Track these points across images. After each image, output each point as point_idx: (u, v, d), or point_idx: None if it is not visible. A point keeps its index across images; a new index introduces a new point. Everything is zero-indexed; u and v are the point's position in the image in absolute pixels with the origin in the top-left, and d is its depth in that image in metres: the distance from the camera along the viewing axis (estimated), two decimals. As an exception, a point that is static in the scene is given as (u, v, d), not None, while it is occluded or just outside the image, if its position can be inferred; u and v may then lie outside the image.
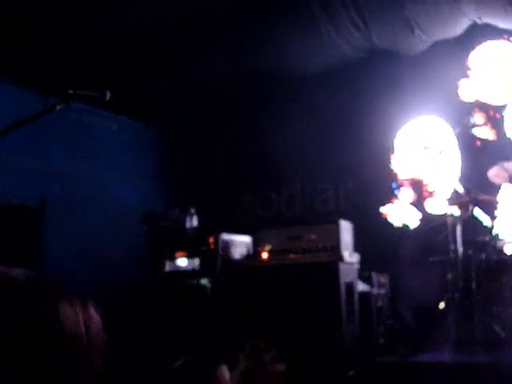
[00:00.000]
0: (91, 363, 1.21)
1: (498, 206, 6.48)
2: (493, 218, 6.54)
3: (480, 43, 7.22)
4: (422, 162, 7.31)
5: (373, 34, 7.09)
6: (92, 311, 1.29)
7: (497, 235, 6.30)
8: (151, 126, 8.68)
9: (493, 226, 6.47)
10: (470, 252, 6.11)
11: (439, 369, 5.11)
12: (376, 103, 7.46)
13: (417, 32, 6.95)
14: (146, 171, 8.53)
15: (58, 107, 3.37)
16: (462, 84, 7.14)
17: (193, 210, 6.07)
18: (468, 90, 7.11)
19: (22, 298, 1.15)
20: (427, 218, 6.89)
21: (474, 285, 5.96)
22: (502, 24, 6.84)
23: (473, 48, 7.24)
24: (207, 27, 6.91)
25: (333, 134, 7.69)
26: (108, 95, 3.40)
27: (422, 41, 7.18)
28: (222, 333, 5.20)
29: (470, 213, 6.19)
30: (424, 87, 7.18)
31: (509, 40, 7.13)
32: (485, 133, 7.02)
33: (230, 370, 4.09)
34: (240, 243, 5.91)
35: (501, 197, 6.44)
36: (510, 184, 5.71)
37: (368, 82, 7.57)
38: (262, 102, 8.12)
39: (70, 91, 3.28)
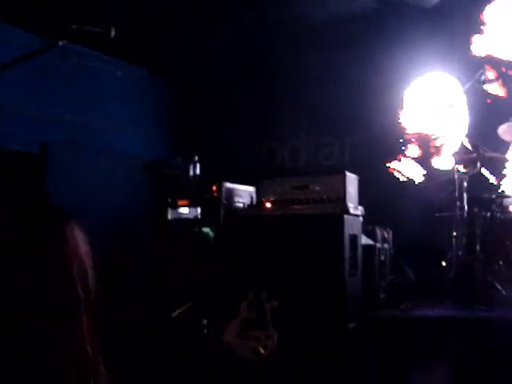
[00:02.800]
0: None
1: (507, 163, 6.41)
2: (500, 175, 6.48)
3: (495, -3, 7.04)
4: (430, 117, 7.20)
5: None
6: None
7: (503, 193, 6.24)
8: (158, 74, 8.53)
9: (500, 184, 6.40)
10: (475, 209, 6.06)
11: (440, 324, 5.11)
12: (386, 57, 7.32)
13: (431, -18, 6.79)
14: (150, 119, 8.42)
15: (60, 43, 3.23)
16: (475, 39, 6.98)
17: (196, 158, 5.99)
18: (481, 45, 6.95)
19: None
20: (433, 174, 6.82)
21: (477, 242, 5.93)
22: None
23: (487, 2, 7.06)
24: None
25: (340, 86, 7.55)
26: (113, 32, 3.27)
27: (435, -8, 7.01)
28: (224, 282, 5.18)
29: (477, 170, 6.13)
30: (436, 41, 7.04)
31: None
32: (495, 89, 6.89)
33: (231, 319, 4.07)
34: (243, 192, 5.85)
35: (510, 154, 6.36)
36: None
37: (377, 35, 7.42)
38: (270, 55, 7.96)
39: (73, 26, 3.15)
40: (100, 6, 6.45)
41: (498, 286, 5.57)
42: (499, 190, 6.34)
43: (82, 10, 6.14)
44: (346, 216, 5.05)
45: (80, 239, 1.35)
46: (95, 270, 1.38)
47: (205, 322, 4.94)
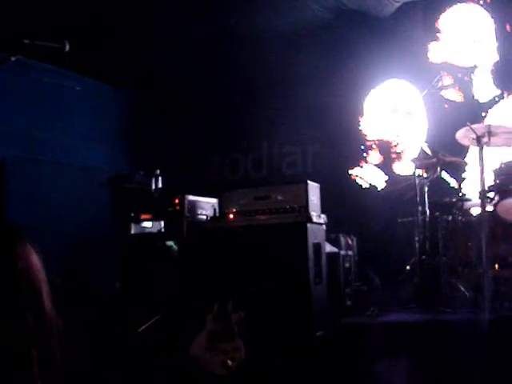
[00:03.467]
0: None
1: (466, 167, 6.52)
2: (460, 179, 6.58)
3: (450, 6, 7.18)
4: (390, 123, 7.30)
5: (342, -8, 7.00)
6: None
7: (464, 196, 6.33)
8: (119, 88, 8.47)
9: (460, 188, 6.51)
10: (437, 213, 6.13)
11: (406, 328, 5.14)
12: (345, 65, 7.40)
13: (387, -8, 6.89)
14: (112, 133, 8.35)
15: (12, 58, 3.17)
16: (432, 46, 7.11)
17: (158, 172, 5.95)
18: (437, 51, 7.08)
19: None
20: (395, 180, 6.90)
21: (440, 246, 5.99)
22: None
23: (443, 10, 7.20)
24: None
25: (300, 96, 7.59)
26: (67, 46, 3.23)
27: (391, 2, 7.11)
28: (189, 294, 5.14)
29: (437, 174, 6.20)
30: (393, 49, 7.13)
31: (478, 3, 7.10)
32: (453, 95, 7.02)
33: (198, 330, 4.04)
34: (206, 204, 5.83)
35: (468, 158, 6.47)
36: (477, 146, 5.70)
37: (336, 43, 7.50)
38: (229, 63, 7.97)
39: (26, 41, 3.10)
40: (56, 19, 6.39)
41: (462, 288, 5.62)
42: (460, 194, 6.44)
43: (37, 24, 6.08)
44: (309, 225, 5.07)
45: (31, 257, 1.32)
46: (50, 288, 1.32)
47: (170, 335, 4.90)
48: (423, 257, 6.02)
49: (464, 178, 6.62)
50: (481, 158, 5.64)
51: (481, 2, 7.10)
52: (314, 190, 5.41)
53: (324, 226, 5.48)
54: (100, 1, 6.60)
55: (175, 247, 5.59)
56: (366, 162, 7.27)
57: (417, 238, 6.07)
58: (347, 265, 6.03)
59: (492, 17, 7.07)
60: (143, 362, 4.84)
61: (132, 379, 4.79)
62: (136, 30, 7.25)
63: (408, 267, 6.22)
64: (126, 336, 5.18)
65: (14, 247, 1.31)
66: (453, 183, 6.47)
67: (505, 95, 6.91)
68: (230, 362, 3.68)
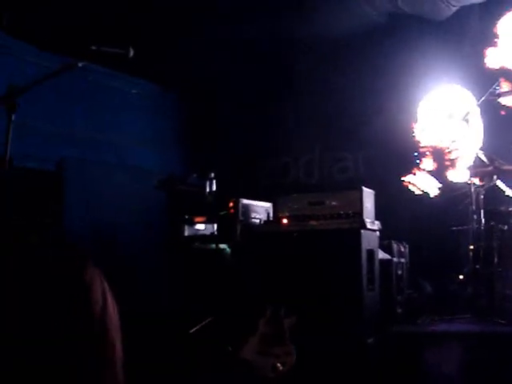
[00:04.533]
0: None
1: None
2: (517, 188, 6.45)
3: (509, 10, 7.04)
4: (444, 130, 7.20)
5: (399, -3, 6.95)
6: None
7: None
8: (173, 91, 8.58)
9: (516, 197, 6.38)
10: (492, 223, 6.03)
11: (457, 339, 5.07)
12: (399, 70, 7.33)
13: (443, -4, 6.81)
14: (166, 135, 8.47)
15: (80, 64, 3.27)
16: (489, 52, 6.98)
17: (212, 175, 6.01)
18: (495, 57, 6.95)
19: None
20: (449, 187, 6.80)
21: (495, 256, 5.89)
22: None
23: (501, 15, 7.06)
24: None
25: (354, 101, 7.56)
26: (132, 52, 3.31)
27: (448, 5, 7.02)
28: (242, 298, 5.18)
29: (492, 182, 6.10)
30: (449, 54, 7.04)
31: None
32: (510, 102, 6.88)
33: (250, 334, 4.06)
34: (260, 208, 5.86)
35: (525, 167, 6.34)
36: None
37: (392, 48, 7.43)
38: (284, 70, 7.99)
39: (93, 47, 3.18)
40: (110, 25, 6.53)
41: (516, 300, 5.53)
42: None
43: (96, 30, 6.23)
44: (363, 231, 5.05)
45: (100, 281, 1.26)
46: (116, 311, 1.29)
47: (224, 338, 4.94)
48: (477, 266, 5.93)
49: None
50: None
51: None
52: (368, 196, 5.39)
53: (378, 233, 5.45)
54: (151, 5, 6.72)
55: (228, 250, 5.63)
56: (419, 169, 7.19)
57: (471, 247, 5.98)
58: (399, 272, 5.97)
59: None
60: (194, 363, 4.90)
61: (182, 380, 4.85)
62: (189, 33, 7.34)
63: (461, 276, 6.14)
64: (179, 337, 5.24)
65: (85, 274, 1.23)
66: (509, 192, 6.34)
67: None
68: (280, 367, 3.68)
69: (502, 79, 6.79)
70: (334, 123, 7.70)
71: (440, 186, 7.05)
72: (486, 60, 6.94)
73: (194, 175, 6.22)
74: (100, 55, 3.32)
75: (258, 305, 4.77)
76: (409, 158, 7.35)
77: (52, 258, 1.23)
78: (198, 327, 5.27)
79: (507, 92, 6.72)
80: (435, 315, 5.91)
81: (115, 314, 1.27)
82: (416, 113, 7.53)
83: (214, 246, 5.68)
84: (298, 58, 7.78)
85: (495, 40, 6.99)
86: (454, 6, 7.03)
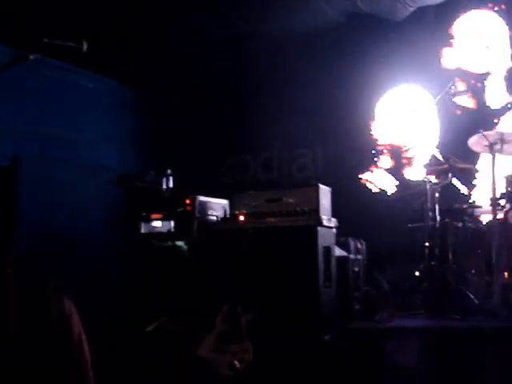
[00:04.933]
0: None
1: (477, 174, 6.50)
2: (470, 186, 6.56)
3: (464, 12, 7.15)
4: (401, 128, 7.29)
5: (357, -4, 6.99)
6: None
7: (474, 203, 6.32)
8: (132, 87, 8.48)
9: (470, 195, 6.49)
10: (447, 220, 6.12)
11: (413, 335, 5.14)
12: (356, 69, 7.37)
13: (401, -4, 6.88)
14: (124, 132, 8.36)
15: (31, 57, 3.18)
16: (445, 52, 7.09)
17: (169, 172, 5.96)
18: (450, 57, 7.06)
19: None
20: (405, 185, 6.89)
21: (450, 252, 5.98)
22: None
23: (457, 16, 7.18)
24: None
25: (312, 98, 7.58)
26: (85, 46, 3.24)
27: (406, 6, 7.10)
28: (198, 295, 5.15)
29: (448, 180, 6.19)
30: (406, 54, 7.11)
31: (493, 9, 7.08)
32: (465, 101, 7.00)
33: (207, 332, 4.04)
34: (217, 205, 5.83)
35: (480, 165, 6.45)
36: (489, 153, 5.70)
37: (349, 47, 7.48)
38: (244, 67, 7.97)
39: (45, 40, 3.10)
40: (70, 18, 6.42)
41: (471, 296, 5.61)
42: (470, 200, 6.43)
43: (53, 22, 6.10)
44: (319, 228, 5.07)
45: (75, 311, 1.43)
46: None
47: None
48: (432, 263, 6.01)
49: (475, 185, 6.60)
50: (493, 165, 5.64)
51: (495, 9, 7.08)
52: (325, 193, 5.41)
53: (334, 230, 5.48)
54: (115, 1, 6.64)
55: (185, 247, 5.60)
56: (377, 167, 7.26)
57: (426, 244, 6.06)
58: (356, 269, 6.02)
59: (506, 24, 7.05)
60: (150, 361, 4.85)
61: (139, 379, 4.80)
62: (151, 29, 7.27)
63: (417, 273, 6.22)
64: (134, 335, 5.19)
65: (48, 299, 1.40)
66: (463, 190, 6.45)
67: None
68: (238, 364, 3.68)
69: (457, 79, 6.91)
70: (292, 120, 7.71)
71: (397, 183, 7.13)
72: (442, 60, 7.04)
73: (152, 172, 6.16)
74: (54, 48, 3.24)
75: (215, 302, 4.76)
76: (367, 156, 7.41)
77: (33, 291, 1.43)
78: (154, 325, 5.22)
79: (462, 92, 6.85)
80: (392, 311, 5.98)
81: (85, 338, 1.44)
82: (374, 111, 7.60)
83: (170, 243, 5.64)
84: (257, 56, 7.76)
85: (451, 41, 7.10)
86: (410, 6, 7.11)
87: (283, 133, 8.00)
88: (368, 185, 7.05)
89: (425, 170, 6.39)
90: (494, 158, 5.66)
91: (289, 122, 7.76)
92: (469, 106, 6.97)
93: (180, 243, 5.63)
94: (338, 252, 5.62)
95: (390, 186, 7.11)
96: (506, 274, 5.60)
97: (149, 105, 8.61)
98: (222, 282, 5.06)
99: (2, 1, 6.11)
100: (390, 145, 7.29)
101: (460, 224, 6.13)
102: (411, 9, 7.23)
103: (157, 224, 5.94)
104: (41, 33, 3.26)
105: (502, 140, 5.67)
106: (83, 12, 6.47)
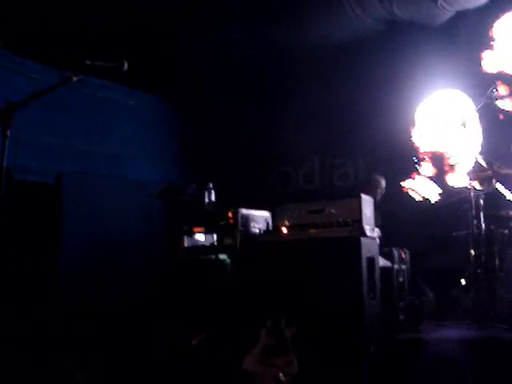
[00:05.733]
0: None
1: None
2: (516, 192, 6.43)
3: (504, 13, 7.04)
4: (443, 135, 7.19)
5: (394, 4, 6.95)
6: None
7: (519, 210, 6.20)
8: (172, 102, 8.58)
9: (516, 201, 6.36)
10: (492, 227, 6.01)
11: (460, 345, 5.05)
12: (396, 76, 7.33)
13: (440, 1, 6.80)
14: (165, 146, 8.47)
15: (74, 79, 3.28)
16: (486, 55, 6.98)
17: (211, 185, 6.00)
18: (491, 61, 6.95)
19: None
20: (449, 192, 6.79)
21: (496, 260, 5.87)
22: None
23: (497, 18, 7.07)
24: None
25: (352, 107, 7.56)
26: (126, 65, 3.31)
27: (444, 11, 7.04)
28: (242, 308, 5.16)
29: (492, 187, 6.09)
30: (446, 59, 7.04)
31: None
32: (508, 105, 6.87)
33: (252, 344, 4.05)
34: (259, 218, 5.84)
35: (525, 171, 6.32)
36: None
37: (388, 54, 7.45)
38: (282, 77, 8.00)
39: (87, 62, 3.19)
40: (110, 37, 6.55)
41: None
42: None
43: (94, 41, 6.24)
44: (362, 239, 5.03)
45: None
46: None
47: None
48: (478, 271, 5.91)
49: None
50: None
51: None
52: (367, 203, 5.37)
53: (377, 240, 5.43)
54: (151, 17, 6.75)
55: (228, 260, 5.62)
56: (419, 174, 7.17)
57: (472, 252, 5.96)
58: (401, 279, 5.95)
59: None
60: (197, 374, 4.88)
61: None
62: (186, 44, 7.35)
63: (463, 281, 6.12)
64: (180, 348, 5.23)
65: None
66: (509, 196, 6.32)
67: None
68: (282, 377, 3.68)
69: (498, 83, 6.79)
70: (333, 130, 7.70)
71: (440, 191, 7.03)
72: (482, 64, 6.94)
73: (193, 185, 6.21)
74: (95, 69, 3.32)
75: (259, 316, 4.76)
76: (408, 163, 7.33)
77: None
78: (199, 338, 5.25)
79: (504, 95, 6.72)
80: (438, 321, 5.90)
81: None
82: (414, 118, 7.52)
83: (213, 256, 5.66)
84: (296, 66, 7.78)
85: (491, 43, 6.99)
86: (448, 10, 7.03)
87: (324, 143, 7.99)
88: (411, 193, 6.96)
89: (468, 177, 6.29)
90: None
91: (329, 132, 7.75)
92: (512, 110, 6.83)
93: (223, 256, 5.65)
94: (382, 262, 5.57)
95: (433, 193, 7.01)
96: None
97: (189, 119, 8.69)
98: (266, 295, 5.06)
99: (46, 25, 6.28)
100: (432, 152, 7.20)
101: (506, 231, 6.02)
102: (449, 13, 7.15)
103: (200, 237, 5.98)
104: (83, 53, 3.35)
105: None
106: (124, 33, 6.59)
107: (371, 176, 7.23)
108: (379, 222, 5.75)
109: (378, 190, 7.08)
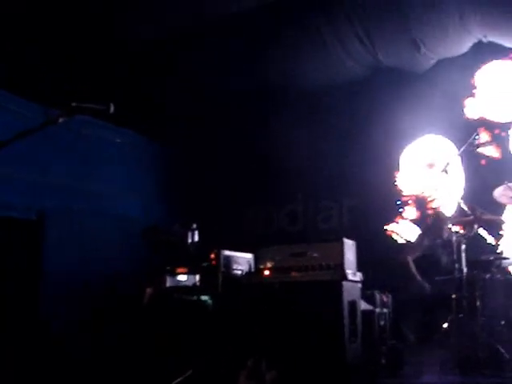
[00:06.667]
0: None
1: (504, 225, 6.43)
2: (497, 237, 6.49)
3: (486, 62, 7.20)
4: (426, 180, 7.27)
5: (378, 51, 7.08)
6: None
7: (502, 255, 6.24)
8: (157, 141, 8.60)
9: (498, 246, 6.41)
10: (474, 271, 6.03)
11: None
12: (381, 121, 7.43)
13: (423, 50, 6.95)
14: (149, 185, 8.46)
15: (60, 120, 3.29)
16: (468, 102, 7.12)
17: (195, 226, 6.00)
18: (474, 108, 7.08)
19: None
20: (431, 237, 6.82)
21: (478, 305, 5.87)
22: (508, 43, 6.82)
23: (478, 67, 7.23)
24: (211, 45, 6.92)
25: (337, 151, 7.63)
26: (112, 108, 3.33)
27: (427, 59, 7.18)
28: (223, 349, 5.11)
29: (474, 231, 6.13)
30: (429, 105, 7.16)
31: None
32: (490, 151, 6.98)
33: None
34: (242, 260, 5.83)
35: (506, 216, 6.39)
36: (515, 204, 5.66)
37: (373, 99, 7.56)
38: (265, 119, 8.07)
39: (73, 104, 3.21)
40: (97, 76, 6.60)
41: (502, 350, 5.49)
42: (498, 252, 6.34)
43: (81, 79, 6.28)
44: (344, 283, 5.04)
45: None
46: None
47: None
48: (460, 315, 5.90)
49: (501, 236, 6.53)
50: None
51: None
52: (350, 247, 5.39)
53: (359, 284, 5.44)
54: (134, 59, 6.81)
55: (210, 302, 5.58)
56: (402, 218, 7.23)
57: (454, 297, 5.96)
58: (382, 322, 5.94)
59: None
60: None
61: None
62: (172, 84, 7.42)
63: (445, 325, 6.11)
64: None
65: None
66: (491, 241, 6.37)
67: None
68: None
69: (481, 129, 6.90)
70: (318, 173, 7.75)
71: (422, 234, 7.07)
72: (465, 110, 7.07)
73: (177, 225, 6.20)
74: (82, 110, 3.34)
75: (240, 357, 4.71)
76: (392, 207, 7.39)
77: None
78: (179, 380, 5.18)
79: (486, 142, 6.83)
80: (419, 366, 5.86)
81: None
82: (399, 162, 7.61)
83: (195, 297, 5.63)
84: (281, 108, 7.86)
85: (473, 91, 7.13)
86: (431, 58, 7.17)
87: (307, 184, 8.03)
88: (394, 236, 7.01)
89: (451, 222, 6.34)
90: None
91: (314, 173, 7.79)
92: (494, 156, 6.94)
93: (205, 297, 5.62)
94: (364, 306, 5.56)
95: (415, 237, 7.05)
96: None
97: (174, 158, 8.71)
98: (247, 337, 5.03)
99: (33, 63, 6.31)
100: (415, 195, 7.28)
101: (488, 275, 6.04)
102: (432, 61, 7.29)
103: (182, 278, 5.95)
104: (70, 93, 3.37)
105: (528, 191, 5.63)
106: (106, 67, 6.64)
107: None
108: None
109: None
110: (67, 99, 3.29)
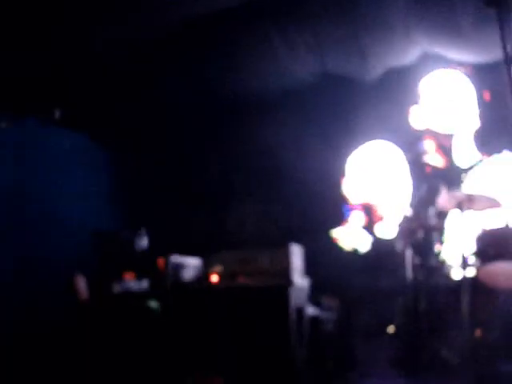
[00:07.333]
0: None
1: (447, 231, 6.59)
2: (442, 243, 6.63)
3: (429, 71, 7.34)
4: (372, 186, 7.38)
5: (326, 58, 7.15)
6: None
7: (445, 261, 6.38)
8: (107, 145, 8.51)
9: (442, 252, 6.56)
10: (419, 277, 6.15)
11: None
12: (328, 127, 7.50)
13: (369, 59, 7.05)
14: (98, 190, 8.35)
15: (3, 126, 3.26)
16: (413, 111, 7.25)
17: (143, 231, 5.98)
18: (418, 117, 7.22)
19: None
20: (377, 243, 6.94)
21: (422, 310, 5.99)
22: (451, 54, 6.98)
23: (423, 75, 7.36)
24: (166, 52, 6.89)
25: (284, 156, 7.67)
26: (57, 114, 3.32)
27: (374, 67, 7.27)
28: (169, 355, 5.11)
29: (419, 238, 6.25)
30: (377, 113, 7.26)
31: (459, 70, 7.27)
32: (434, 160, 7.12)
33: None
34: (190, 265, 5.84)
35: (449, 223, 6.54)
36: (457, 210, 5.79)
37: (320, 106, 7.60)
38: (213, 125, 8.08)
39: (17, 113, 3.19)
40: (46, 80, 6.50)
41: (445, 353, 5.61)
42: (441, 258, 6.48)
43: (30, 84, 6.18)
44: (291, 288, 5.09)
45: None
46: None
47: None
48: (405, 320, 6.02)
49: (445, 243, 6.68)
50: (462, 224, 5.73)
51: (461, 70, 7.27)
52: (296, 252, 5.45)
53: (307, 289, 5.50)
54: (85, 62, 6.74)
55: (157, 307, 5.57)
56: (349, 223, 7.32)
57: (399, 301, 6.08)
58: (329, 328, 6.01)
59: (472, 83, 7.23)
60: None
61: None
62: (122, 92, 7.37)
63: (390, 330, 6.22)
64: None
65: None
66: (435, 247, 6.51)
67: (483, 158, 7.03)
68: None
69: (425, 137, 7.05)
70: (265, 176, 7.78)
71: (372, 240, 7.18)
72: (409, 119, 7.20)
73: (125, 231, 6.17)
74: (26, 116, 3.32)
75: (187, 365, 4.71)
76: (338, 212, 7.47)
77: None
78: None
79: (431, 151, 6.97)
80: (365, 370, 5.95)
81: None
82: (345, 168, 7.69)
83: (143, 302, 5.60)
84: (224, 116, 7.89)
85: (418, 99, 7.27)
86: (379, 68, 7.28)
87: (256, 189, 8.05)
88: (339, 242, 7.09)
89: (397, 228, 6.46)
90: (462, 217, 5.75)
91: (261, 178, 7.83)
92: (438, 165, 7.09)
93: (153, 303, 5.60)
94: (311, 311, 5.63)
95: (364, 243, 7.15)
96: (478, 331, 5.62)
97: (123, 163, 8.64)
98: (194, 344, 5.03)
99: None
100: (362, 202, 7.38)
101: (432, 281, 6.16)
102: (380, 70, 7.41)
103: (130, 283, 5.92)
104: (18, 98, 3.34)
105: (470, 199, 5.77)
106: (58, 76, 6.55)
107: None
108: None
109: None
110: (14, 105, 3.27)
